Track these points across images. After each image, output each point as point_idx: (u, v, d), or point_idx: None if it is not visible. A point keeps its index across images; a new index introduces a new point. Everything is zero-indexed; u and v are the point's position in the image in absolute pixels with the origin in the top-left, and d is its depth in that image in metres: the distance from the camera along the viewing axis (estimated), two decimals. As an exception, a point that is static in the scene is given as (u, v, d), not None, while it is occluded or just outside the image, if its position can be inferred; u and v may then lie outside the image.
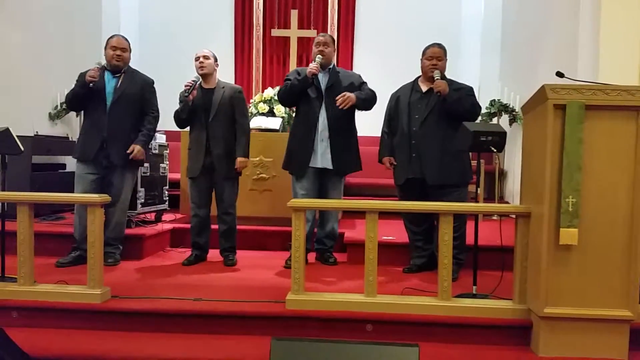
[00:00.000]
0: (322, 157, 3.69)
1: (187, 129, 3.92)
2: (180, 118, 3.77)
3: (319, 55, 3.65)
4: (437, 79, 3.35)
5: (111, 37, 3.76)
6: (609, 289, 2.41)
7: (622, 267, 2.40)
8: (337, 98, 3.54)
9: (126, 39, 3.79)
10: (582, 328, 2.44)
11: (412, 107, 3.49)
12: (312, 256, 3.91)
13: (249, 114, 5.53)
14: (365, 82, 3.83)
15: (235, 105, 3.79)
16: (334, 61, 3.87)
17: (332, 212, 3.86)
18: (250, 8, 7.80)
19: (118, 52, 3.67)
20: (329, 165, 3.69)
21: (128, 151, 3.68)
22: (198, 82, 3.68)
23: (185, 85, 3.64)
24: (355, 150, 3.84)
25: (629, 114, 2.39)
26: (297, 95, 3.71)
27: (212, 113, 3.73)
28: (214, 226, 3.92)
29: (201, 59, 3.73)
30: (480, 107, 3.47)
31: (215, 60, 3.83)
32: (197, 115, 3.75)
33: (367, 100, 3.70)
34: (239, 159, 3.75)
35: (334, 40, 3.83)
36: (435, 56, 3.42)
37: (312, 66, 3.59)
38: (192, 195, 3.83)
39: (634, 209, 2.39)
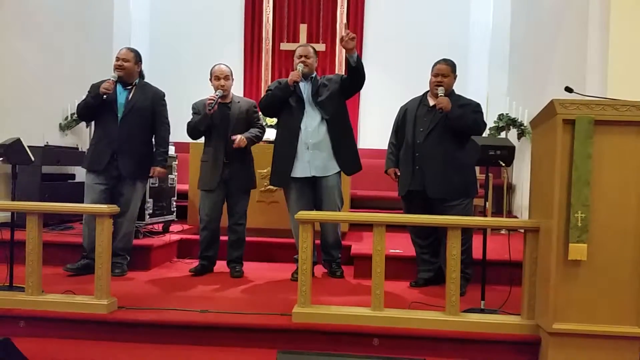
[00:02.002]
0: (310, 165, 3.64)
1: (198, 140, 3.95)
2: (198, 130, 3.79)
3: (300, 64, 3.64)
4: (441, 95, 3.36)
5: (119, 50, 3.81)
6: (618, 305, 2.39)
7: (632, 282, 2.38)
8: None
9: (133, 51, 3.78)
10: (592, 344, 2.41)
11: (417, 120, 3.50)
12: (318, 269, 3.89)
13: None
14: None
15: (252, 121, 3.88)
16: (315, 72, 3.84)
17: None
18: (260, 22, 7.88)
19: (119, 62, 3.70)
20: (317, 173, 3.64)
21: (152, 175, 3.82)
22: (219, 99, 3.72)
23: (209, 100, 3.67)
24: (351, 150, 3.76)
25: (638, 130, 2.38)
26: (279, 105, 3.69)
27: (231, 128, 3.77)
28: (224, 237, 3.93)
29: (222, 81, 3.76)
30: (485, 124, 3.46)
31: (232, 75, 3.87)
32: (215, 129, 3.78)
33: (362, 66, 3.58)
34: (240, 137, 3.73)
35: (315, 51, 3.81)
36: (441, 73, 3.44)
37: (294, 74, 3.59)
38: (205, 207, 3.82)
39: (644, 224, 2.37)
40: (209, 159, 3.82)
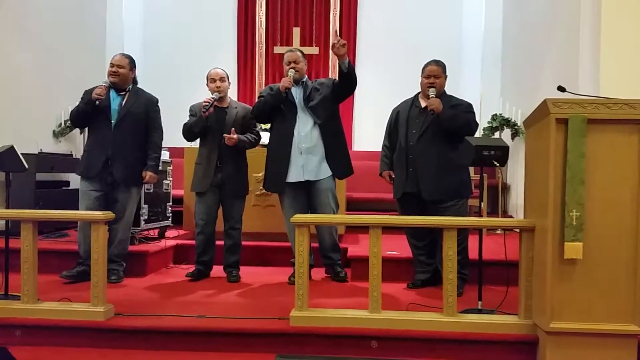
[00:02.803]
0: (304, 169, 3.64)
1: (191, 144, 3.93)
2: (192, 132, 3.80)
3: (291, 70, 3.65)
4: (432, 96, 3.37)
5: (114, 56, 3.80)
6: (615, 303, 2.39)
7: (628, 280, 2.38)
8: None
9: (127, 57, 3.78)
10: (589, 343, 2.42)
11: (410, 122, 3.51)
12: (316, 272, 3.88)
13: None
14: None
15: (248, 127, 3.88)
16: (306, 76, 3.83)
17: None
18: (253, 25, 7.89)
19: (114, 69, 3.69)
20: (311, 177, 3.64)
21: (144, 180, 3.77)
22: (215, 101, 3.72)
23: (204, 102, 3.67)
24: (343, 154, 3.77)
25: (631, 128, 2.39)
26: (271, 111, 3.70)
27: (226, 132, 3.75)
28: (219, 242, 3.92)
29: (218, 83, 3.77)
30: (476, 124, 3.48)
31: (228, 79, 3.88)
32: (210, 132, 3.78)
33: (353, 71, 3.61)
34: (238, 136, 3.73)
35: (304, 55, 3.81)
36: (432, 74, 3.45)
37: (285, 80, 3.60)
38: (199, 211, 3.83)
39: (638, 221, 2.38)
40: (202, 162, 3.82)
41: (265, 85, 7.79)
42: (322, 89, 3.73)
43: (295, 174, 3.65)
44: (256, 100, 3.87)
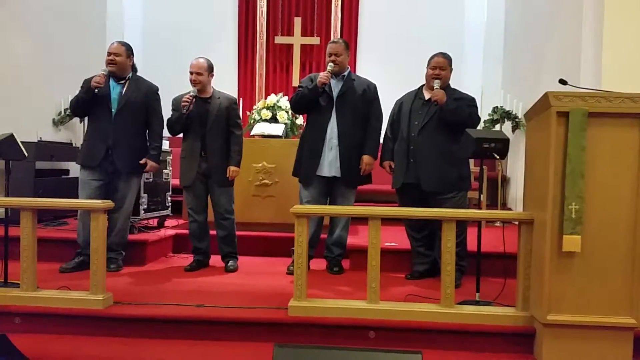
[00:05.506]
0: (330, 166, 3.64)
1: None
2: (175, 129, 3.79)
3: (330, 63, 3.59)
4: (436, 88, 3.37)
5: (110, 44, 3.78)
6: (612, 296, 2.40)
7: (625, 274, 2.39)
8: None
9: (124, 45, 3.74)
10: (586, 335, 2.43)
11: (412, 114, 3.51)
12: (315, 263, 3.89)
13: (252, 120, 5.56)
14: (378, 98, 3.77)
15: (230, 117, 3.83)
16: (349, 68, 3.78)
17: (339, 219, 3.78)
18: (254, 15, 7.85)
19: (111, 57, 3.66)
20: (337, 174, 3.65)
21: (146, 169, 3.78)
22: (194, 99, 3.69)
23: (184, 101, 3.65)
24: (355, 166, 3.72)
25: (631, 121, 2.39)
26: (309, 104, 3.67)
27: (209, 124, 3.74)
28: (213, 231, 3.93)
29: (194, 76, 3.72)
30: (479, 119, 3.48)
31: (211, 70, 3.80)
32: (192, 124, 3.76)
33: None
34: (232, 168, 3.77)
35: (347, 46, 3.73)
36: (438, 66, 3.44)
37: (323, 75, 3.55)
38: (189, 201, 3.84)
39: (637, 215, 2.38)
40: (186, 155, 3.81)
41: (266, 76, 7.81)
42: (359, 102, 3.65)
43: (325, 169, 3.65)
44: (294, 92, 3.80)
